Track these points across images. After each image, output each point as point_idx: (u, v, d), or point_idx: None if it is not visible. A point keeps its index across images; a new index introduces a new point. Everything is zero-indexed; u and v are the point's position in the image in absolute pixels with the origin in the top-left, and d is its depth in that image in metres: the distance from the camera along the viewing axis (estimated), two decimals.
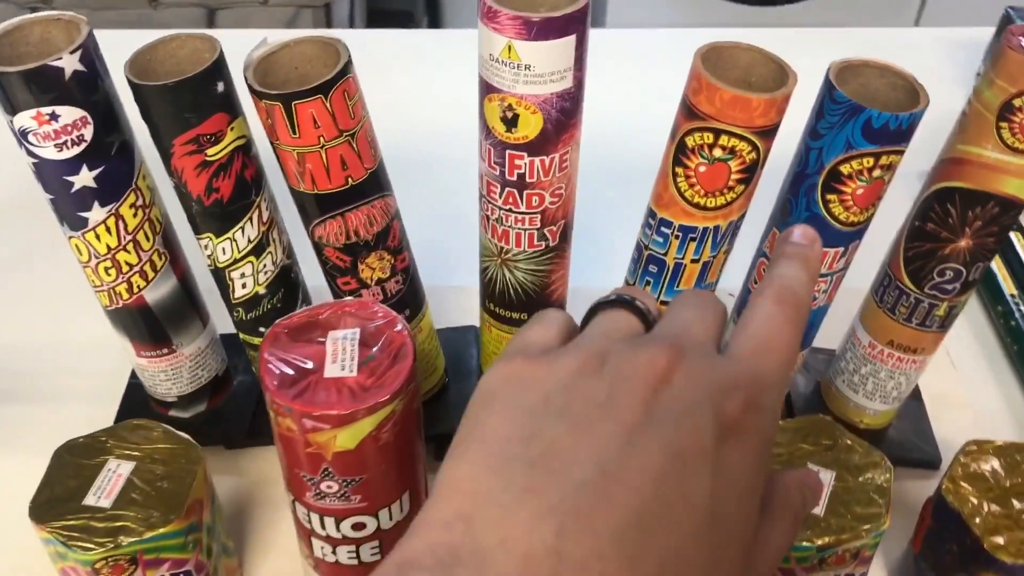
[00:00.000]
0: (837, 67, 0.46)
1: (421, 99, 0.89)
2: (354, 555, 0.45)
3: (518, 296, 0.52)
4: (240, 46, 0.46)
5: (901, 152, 0.45)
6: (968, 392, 0.63)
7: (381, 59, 0.90)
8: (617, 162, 0.75)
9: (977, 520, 0.44)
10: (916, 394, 0.60)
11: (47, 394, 0.63)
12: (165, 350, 0.55)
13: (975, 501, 0.45)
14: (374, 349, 0.41)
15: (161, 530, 0.43)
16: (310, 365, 0.40)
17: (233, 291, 0.52)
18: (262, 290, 0.52)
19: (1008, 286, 0.68)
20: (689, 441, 0.26)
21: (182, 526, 0.44)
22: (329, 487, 0.41)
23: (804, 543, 0.42)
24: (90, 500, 0.44)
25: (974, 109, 0.46)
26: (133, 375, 0.61)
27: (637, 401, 0.27)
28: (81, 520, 0.43)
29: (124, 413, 0.59)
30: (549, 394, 0.28)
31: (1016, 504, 0.45)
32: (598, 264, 0.66)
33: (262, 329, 0.54)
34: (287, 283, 0.53)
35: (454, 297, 0.65)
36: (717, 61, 0.46)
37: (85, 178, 0.46)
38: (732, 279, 0.54)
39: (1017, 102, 0.44)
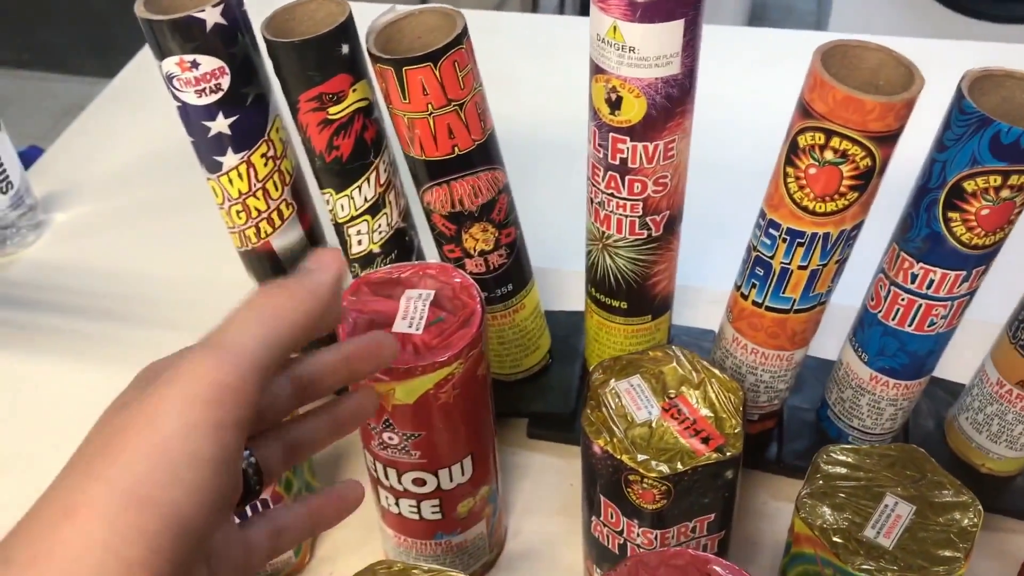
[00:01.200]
0: (974, 76, 0.42)
1: (555, 83, 0.88)
2: (415, 510, 0.46)
3: (619, 284, 0.52)
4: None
5: None
6: None
7: (558, 44, 0.91)
8: (748, 162, 0.72)
9: None
10: None
11: (174, 323, 0.68)
12: None
13: None
14: (444, 313, 0.42)
15: None
16: (383, 319, 0.41)
17: (350, 247, 0.55)
18: (376, 249, 0.54)
19: None
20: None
21: None
22: (390, 438, 0.43)
23: (866, 574, 0.39)
24: None
25: None
26: None
27: None
28: None
29: None
30: None
31: None
32: (719, 266, 0.64)
33: None
34: (401, 245, 0.55)
35: (573, 281, 0.64)
36: (842, 60, 0.43)
37: (220, 124, 0.50)
38: (849, 297, 0.51)
39: None
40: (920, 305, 0.47)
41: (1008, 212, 0.43)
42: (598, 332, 0.55)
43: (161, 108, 0.55)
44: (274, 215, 0.54)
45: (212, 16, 0.47)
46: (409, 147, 0.48)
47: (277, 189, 0.54)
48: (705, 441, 0.41)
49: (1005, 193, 0.42)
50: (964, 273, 0.45)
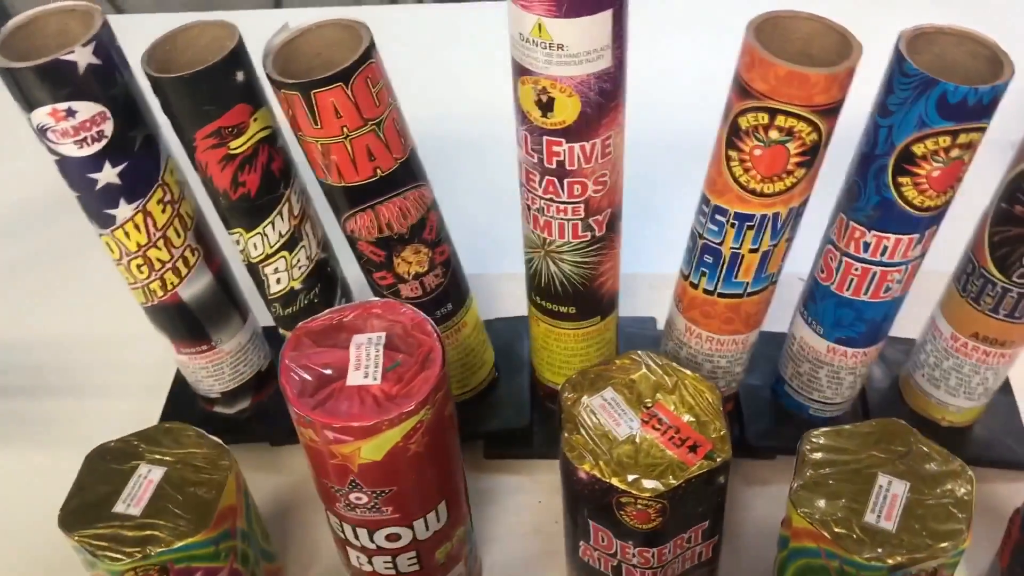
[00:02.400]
0: (909, 35, 0.41)
1: (457, 77, 0.85)
2: (391, 565, 0.43)
3: (565, 289, 0.49)
4: (267, 32, 0.44)
5: (982, 129, 0.40)
6: None
7: (409, 35, 0.87)
8: (667, 139, 0.70)
9: None
10: (1006, 388, 0.55)
11: (96, 389, 0.63)
12: (204, 347, 0.53)
13: None
14: (400, 355, 0.38)
15: (191, 539, 0.41)
16: (331, 372, 0.38)
17: (268, 287, 0.50)
18: (297, 285, 0.50)
19: None
20: None
21: (212, 535, 0.42)
22: (358, 499, 0.39)
23: (875, 562, 0.38)
24: (120, 507, 0.42)
25: None
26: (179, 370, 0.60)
27: None
28: (111, 529, 0.42)
29: (170, 407, 0.58)
30: None
31: None
32: (652, 249, 0.62)
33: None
34: (323, 277, 0.51)
35: (504, 285, 0.62)
36: (773, 33, 0.41)
37: (109, 175, 0.45)
38: (797, 268, 0.50)
39: None
40: (875, 273, 0.46)
41: (958, 170, 0.42)
42: (547, 339, 0.53)
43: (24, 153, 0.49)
44: (179, 264, 0.49)
45: (83, 56, 0.42)
46: (325, 174, 0.44)
47: (179, 236, 0.49)
48: (692, 449, 0.39)
49: (955, 152, 0.41)
50: (917, 236, 0.44)
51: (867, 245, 0.45)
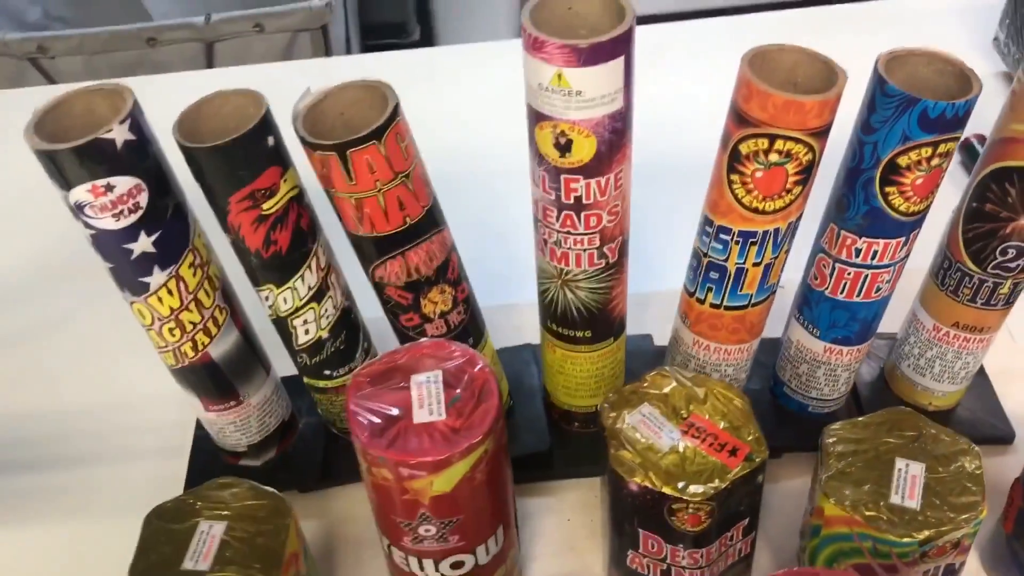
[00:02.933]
0: (885, 59, 0.45)
1: (431, 119, 0.88)
2: None
3: (580, 315, 0.52)
4: (259, 85, 0.46)
5: (958, 139, 0.45)
6: None
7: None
8: (650, 161, 0.74)
9: None
10: (980, 370, 0.60)
11: (115, 455, 0.63)
12: (232, 402, 0.55)
13: None
14: (458, 390, 0.41)
15: None
16: (397, 412, 0.40)
17: (296, 338, 0.52)
18: (325, 334, 0.52)
19: None
20: None
21: None
22: (427, 531, 0.41)
23: (905, 539, 0.42)
24: (188, 564, 0.44)
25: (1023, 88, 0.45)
26: (199, 426, 0.61)
27: None
28: None
29: (195, 466, 0.59)
30: None
31: None
32: (650, 270, 0.66)
33: (327, 372, 0.54)
34: (349, 324, 0.53)
35: (505, 316, 0.65)
36: (762, 65, 0.45)
37: (144, 244, 0.46)
38: (789, 274, 0.54)
39: None
40: (866, 275, 0.50)
41: (937, 177, 0.46)
42: (563, 364, 0.55)
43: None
44: (209, 324, 0.51)
45: (121, 133, 0.43)
46: (357, 226, 0.47)
47: (209, 296, 0.50)
48: (733, 453, 0.43)
49: (935, 161, 0.45)
50: (904, 239, 0.49)
51: (858, 251, 0.49)
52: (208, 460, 0.59)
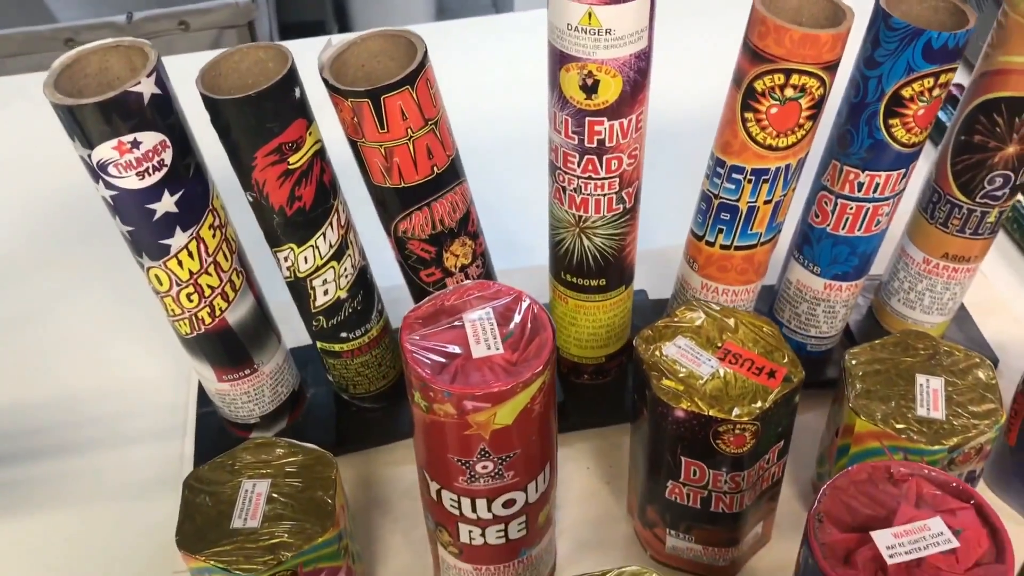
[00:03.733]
0: None
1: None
2: (502, 534, 0.45)
3: (596, 262, 0.53)
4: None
5: (955, 69, 0.48)
6: (1002, 295, 0.66)
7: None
8: None
9: None
10: (960, 304, 0.63)
11: (113, 440, 0.61)
12: (247, 371, 0.54)
13: None
14: (511, 325, 0.41)
15: (320, 539, 0.42)
16: (455, 349, 0.40)
17: (314, 299, 0.52)
18: (343, 294, 0.52)
19: None
20: None
21: (335, 533, 0.43)
22: (484, 467, 0.42)
23: (936, 446, 0.44)
24: (237, 523, 0.43)
25: (1012, 21, 0.48)
26: (202, 403, 0.59)
27: None
28: (235, 544, 0.42)
29: (202, 443, 0.58)
30: None
31: None
32: (651, 225, 0.67)
33: (344, 334, 0.54)
34: (365, 284, 0.53)
35: (507, 279, 0.65)
36: (771, 6, 0.47)
37: (167, 204, 0.46)
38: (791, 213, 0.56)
39: None
40: (868, 209, 0.53)
41: (937, 107, 0.49)
42: (575, 315, 0.56)
43: None
44: (227, 288, 0.50)
45: (148, 88, 0.43)
46: (385, 178, 0.47)
47: (227, 260, 0.50)
48: (771, 375, 0.44)
49: (936, 91, 0.48)
50: (904, 170, 0.51)
51: (861, 185, 0.52)
52: (215, 436, 0.58)
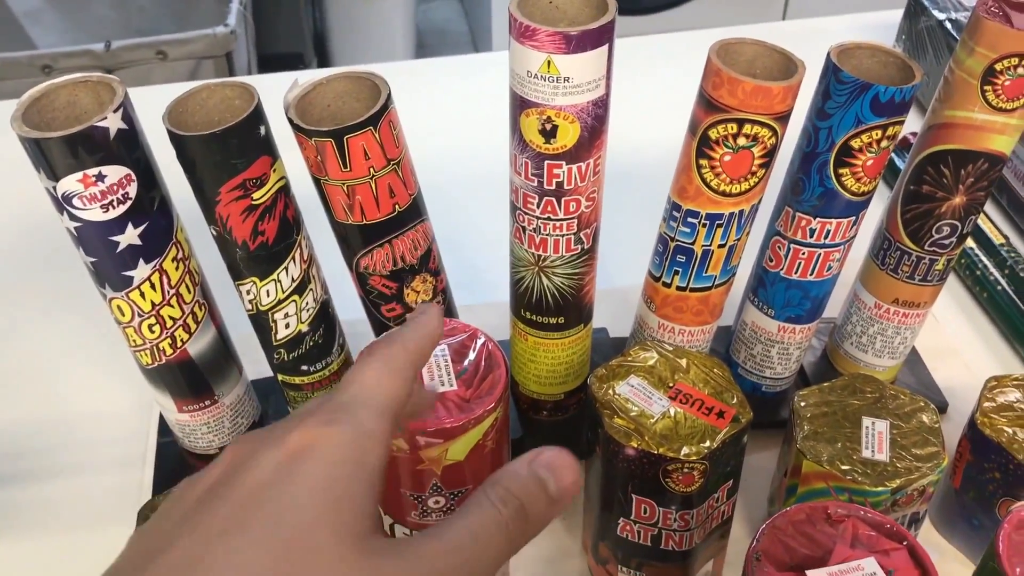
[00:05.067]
0: (836, 51, 0.49)
1: None
2: None
3: (555, 301, 0.54)
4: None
5: (903, 122, 0.49)
6: (953, 342, 0.68)
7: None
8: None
9: (1015, 445, 0.48)
10: (912, 348, 0.65)
11: (67, 470, 0.61)
12: (207, 402, 0.54)
13: (1009, 430, 0.49)
14: (466, 362, 0.42)
15: None
16: None
17: (276, 333, 0.52)
18: (305, 328, 0.53)
19: (968, 240, 0.74)
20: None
21: None
22: (436, 502, 0.42)
23: (879, 488, 0.45)
24: None
25: (957, 77, 0.50)
26: (162, 433, 0.60)
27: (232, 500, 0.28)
28: None
29: (161, 472, 0.58)
30: (188, 504, 0.29)
31: None
32: (613, 265, 0.68)
33: (305, 367, 0.54)
34: (327, 319, 0.54)
35: (469, 315, 0.66)
36: (725, 57, 0.49)
37: (130, 236, 0.46)
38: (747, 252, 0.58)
39: (998, 66, 0.48)
40: (819, 255, 0.54)
41: (885, 158, 0.51)
42: (534, 353, 0.57)
43: None
44: (189, 320, 0.51)
45: (114, 123, 0.44)
46: (347, 215, 0.48)
47: (189, 292, 0.50)
48: (720, 415, 0.45)
49: (884, 143, 0.49)
50: (854, 218, 0.53)
51: (812, 231, 0.53)
52: (175, 466, 0.58)
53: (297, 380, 0.55)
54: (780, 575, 0.36)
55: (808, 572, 0.35)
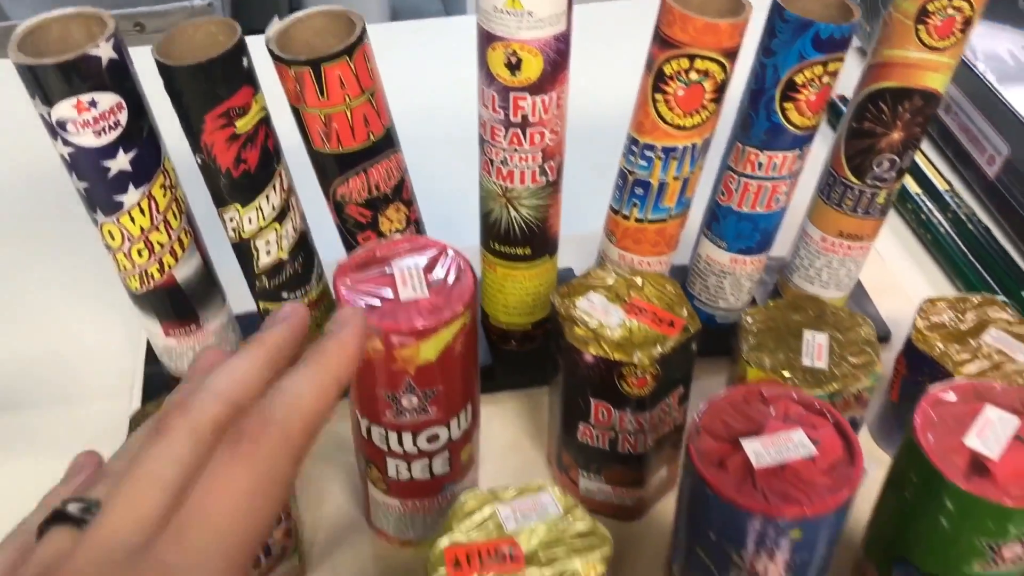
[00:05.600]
0: None
1: None
2: (427, 469, 0.49)
3: (522, 232, 0.58)
4: None
5: (843, 59, 0.53)
6: (898, 279, 0.72)
7: None
8: None
9: (946, 359, 0.53)
10: (858, 283, 0.69)
11: (66, 399, 0.65)
12: (193, 326, 0.57)
13: (940, 346, 0.53)
14: (437, 272, 0.46)
15: None
16: (385, 292, 0.44)
17: (258, 260, 0.56)
18: (285, 256, 0.56)
19: (912, 186, 0.78)
20: None
21: None
22: (410, 401, 0.46)
23: (816, 390, 0.49)
24: None
25: (894, 18, 0.54)
26: (149, 362, 0.63)
27: None
28: None
29: (148, 401, 0.61)
30: None
31: (972, 342, 0.53)
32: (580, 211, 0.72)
33: (285, 295, 0.58)
34: (305, 248, 0.57)
35: None
36: None
37: (121, 162, 0.49)
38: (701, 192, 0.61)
39: (930, 7, 0.52)
40: (767, 187, 0.58)
41: (827, 94, 0.54)
42: (503, 283, 0.61)
43: None
44: (175, 246, 0.54)
45: (106, 52, 0.46)
46: (324, 143, 0.51)
47: (176, 219, 0.53)
48: (671, 325, 0.49)
49: (826, 79, 0.53)
50: (799, 151, 0.57)
51: (760, 164, 0.57)
52: (161, 394, 0.61)
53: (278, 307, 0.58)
54: (718, 444, 0.40)
55: (742, 440, 0.39)
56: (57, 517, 0.30)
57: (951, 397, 0.43)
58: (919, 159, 0.80)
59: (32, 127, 0.49)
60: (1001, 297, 0.57)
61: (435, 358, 0.44)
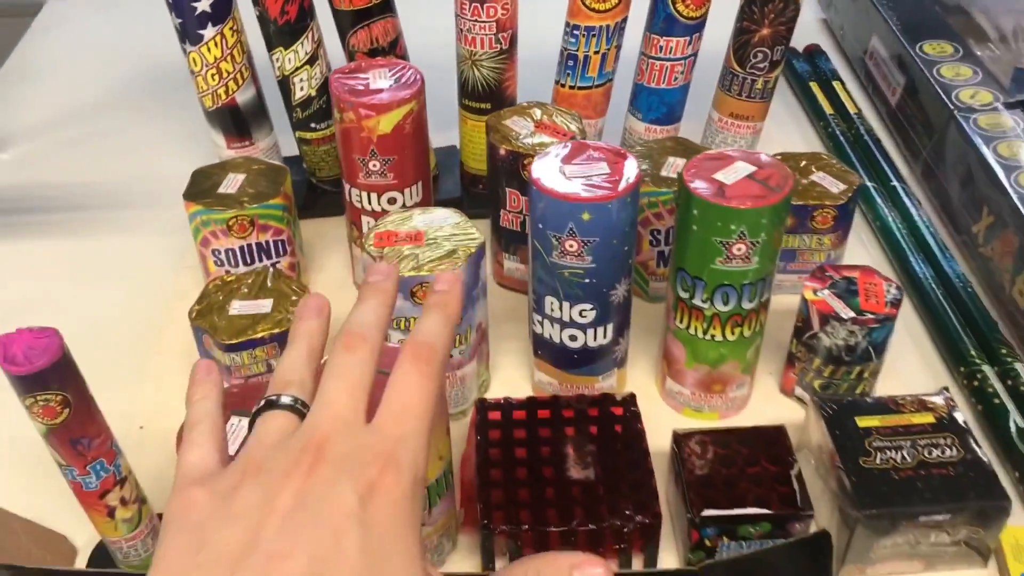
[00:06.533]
0: None
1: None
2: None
3: (485, 88, 0.79)
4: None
5: None
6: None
7: None
8: None
9: None
10: None
11: (126, 226, 0.88)
12: (247, 142, 0.81)
13: None
14: (402, 77, 0.67)
15: (271, 200, 0.69)
16: (362, 85, 0.66)
17: (294, 94, 0.78)
18: (313, 92, 0.78)
19: (826, 107, 0.96)
20: (334, 511, 0.31)
21: (283, 202, 0.70)
22: (374, 166, 0.67)
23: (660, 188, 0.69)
24: (223, 190, 0.70)
25: None
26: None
27: (287, 494, 0.31)
28: (219, 199, 0.69)
29: None
30: (215, 508, 0.32)
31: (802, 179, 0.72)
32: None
33: (313, 125, 0.80)
34: (329, 91, 0.80)
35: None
36: None
37: (204, 4, 0.73)
38: (625, 70, 0.81)
39: None
40: (667, 66, 0.78)
41: None
42: (472, 135, 0.82)
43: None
44: (238, 75, 0.77)
45: None
46: (342, 2, 0.74)
47: (240, 55, 0.77)
48: (564, 135, 0.70)
49: None
50: (689, 38, 0.76)
51: (661, 48, 0.77)
52: None
53: (308, 135, 0.81)
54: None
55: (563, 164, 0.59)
56: (271, 404, 0.35)
57: (712, 158, 0.60)
58: (837, 87, 0.98)
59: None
60: (836, 160, 0.75)
61: (390, 131, 0.66)
